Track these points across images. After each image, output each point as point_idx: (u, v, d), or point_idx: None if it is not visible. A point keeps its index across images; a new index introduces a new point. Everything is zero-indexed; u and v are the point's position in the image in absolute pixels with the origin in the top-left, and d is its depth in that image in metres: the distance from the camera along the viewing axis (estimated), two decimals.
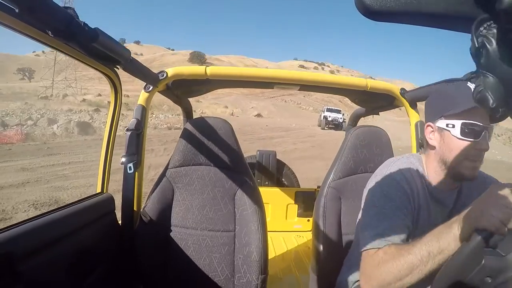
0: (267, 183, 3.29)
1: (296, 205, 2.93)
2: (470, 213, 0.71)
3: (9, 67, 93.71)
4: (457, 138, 0.91)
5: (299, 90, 1.76)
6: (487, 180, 1.09)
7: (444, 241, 0.73)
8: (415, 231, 0.98)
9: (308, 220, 2.95)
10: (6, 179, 6.25)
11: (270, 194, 2.89)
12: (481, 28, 0.31)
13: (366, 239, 0.95)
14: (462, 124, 0.89)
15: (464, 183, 1.04)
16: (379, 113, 2.09)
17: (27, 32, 0.84)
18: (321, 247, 1.38)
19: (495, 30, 0.31)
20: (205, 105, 35.17)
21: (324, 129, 23.87)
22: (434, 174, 1.03)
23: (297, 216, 2.96)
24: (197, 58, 79.76)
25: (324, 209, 1.41)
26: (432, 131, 1.00)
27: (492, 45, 0.31)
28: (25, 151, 9.77)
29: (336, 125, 24.85)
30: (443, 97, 0.99)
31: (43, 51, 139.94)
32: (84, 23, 0.78)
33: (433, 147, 1.00)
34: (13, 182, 6.07)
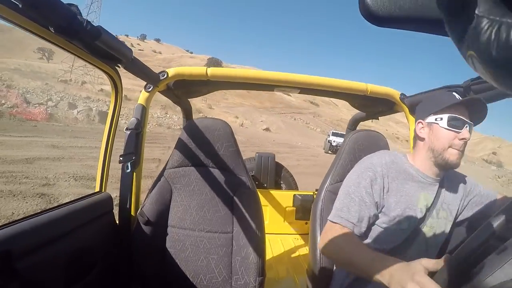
0: (265, 185, 3.31)
1: (294, 208, 2.95)
2: (396, 278, 0.73)
3: (29, 45, 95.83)
4: (444, 128, 1.06)
5: (299, 93, 1.77)
6: (468, 181, 1.25)
7: (376, 274, 0.80)
8: (390, 208, 1.11)
9: (306, 223, 2.95)
10: (40, 152, 7.06)
11: (268, 197, 2.93)
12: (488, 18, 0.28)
13: (333, 210, 1.14)
14: (449, 117, 1.05)
15: (446, 174, 1.18)
16: (379, 118, 2.11)
17: (30, 27, 0.85)
18: (318, 250, 1.37)
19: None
20: (217, 113, 36.11)
21: (327, 153, 22.54)
22: (421, 163, 1.16)
23: (295, 219, 2.97)
24: (214, 64, 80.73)
25: (322, 212, 1.41)
26: (422, 126, 1.14)
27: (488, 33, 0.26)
28: (50, 130, 10.66)
29: None
30: (432, 100, 1.15)
31: None
32: (87, 21, 0.78)
33: (423, 139, 1.14)
34: (47, 156, 6.84)
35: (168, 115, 22.36)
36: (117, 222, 1.43)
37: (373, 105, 1.89)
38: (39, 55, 76.57)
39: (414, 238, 1.11)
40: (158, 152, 9.61)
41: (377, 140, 1.53)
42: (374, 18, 0.33)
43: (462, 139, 1.04)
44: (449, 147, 1.06)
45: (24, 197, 4.44)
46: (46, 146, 7.93)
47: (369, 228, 1.12)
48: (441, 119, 1.07)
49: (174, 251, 1.39)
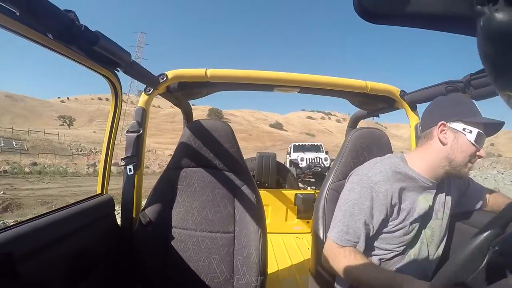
0: (266, 185, 3.49)
1: (296, 207, 3.10)
2: (415, 284, 0.84)
3: (44, 112, 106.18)
4: (471, 143, 1.04)
5: (299, 92, 1.79)
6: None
7: (385, 286, 0.90)
8: (394, 215, 1.13)
9: (308, 222, 3.12)
10: None
11: (270, 196, 3.07)
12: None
13: (333, 229, 1.16)
14: (478, 133, 1.03)
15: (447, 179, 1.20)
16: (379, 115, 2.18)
17: (28, 35, 0.87)
18: (321, 249, 1.34)
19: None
20: None
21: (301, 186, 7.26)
22: (425, 167, 1.13)
23: (297, 218, 3.12)
24: (215, 113, 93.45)
25: (324, 211, 1.41)
26: (444, 130, 1.09)
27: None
28: None
29: (318, 174, 11.75)
30: (461, 104, 1.11)
31: (67, 98, 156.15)
32: (84, 26, 0.82)
33: (444, 144, 1.09)
34: None
35: None
36: (119, 223, 1.48)
37: (373, 103, 1.93)
38: (60, 122, 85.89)
39: (416, 241, 1.14)
40: None
41: (379, 137, 1.52)
42: (368, 15, 0.35)
43: (480, 156, 1.06)
44: (469, 161, 1.07)
45: None
46: None
47: (370, 241, 1.14)
48: (471, 132, 1.04)
49: (176, 251, 1.42)
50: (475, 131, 1.04)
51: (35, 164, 20.44)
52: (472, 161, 1.07)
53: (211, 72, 1.57)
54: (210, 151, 1.52)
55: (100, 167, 1.51)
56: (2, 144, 29.70)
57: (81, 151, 35.09)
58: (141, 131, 1.47)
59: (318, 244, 1.40)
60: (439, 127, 1.10)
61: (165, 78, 1.53)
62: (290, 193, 3.18)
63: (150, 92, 1.53)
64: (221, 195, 1.50)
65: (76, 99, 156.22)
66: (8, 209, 9.43)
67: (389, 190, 1.11)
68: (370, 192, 1.11)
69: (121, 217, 1.45)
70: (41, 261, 0.95)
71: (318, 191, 1.57)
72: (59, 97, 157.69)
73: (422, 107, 1.69)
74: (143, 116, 1.50)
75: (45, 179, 15.90)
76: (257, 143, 71.80)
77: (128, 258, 1.40)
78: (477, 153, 1.06)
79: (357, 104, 2.09)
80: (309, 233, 2.69)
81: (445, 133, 1.09)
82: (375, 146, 1.49)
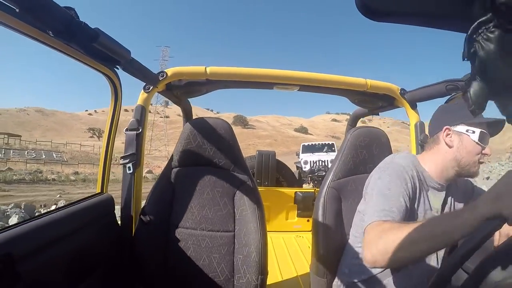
0: (266, 183, 3.58)
1: (296, 206, 3.20)
2: (485, 198, 0.69)
3: (74, 125, 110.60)
4: (475, 142, 1.12)
5: (298, 90, 1.81)
6: (468, 182, 1.36)
7: (449, 225, 0.74)
8: (413, 214, 1.14)
9: (308, 220, 3.21)
10: None
11: (270, 194, 3.14)
12: (478, 33, 0.32)
13: (370, 215, 1.05)
14: (481, 132, 1.11)
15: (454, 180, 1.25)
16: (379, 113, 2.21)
17: (28, 32, 0.89)
18: (321, 247, 1.41)
19: (490, 34, 0.31)
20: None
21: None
22: (436, 168, 1.21)
23: (297, 216, 3.21)
24: (240, 120, 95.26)
25: (324, 209, 1.43)
26: (449, 134, 1.18)
27: (485, 50, 0.32)
28: None
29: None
30: (462, 108, 1.17)
31: (95, 110, 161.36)
32: (84, 23, 0.82)
33: (450, 147, 1.17)
34: None
35: None
36: (119, 222, 1.49)
37: (373, 101, 1.96)
38: (90, 134, 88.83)
39: None
40: None
41: (378, 136, 1.55)
42: (370, 12, 0.35)
43: (486, 154, 1.14)
44: (475, 160, 1.14)
45: None
46: None
47: None
48: (473, 132, 1.12)
49: (176, 250, 1.43)
50: (478, 130, 1.12)
51: (77, 173, 23.26)
52: (480, 160, 1.14)
53: (210, 69, 1.60)
54: (209, 150, 1.54)
55: (100, 166, 1.53)
56: (44, 156, 33.00)
57: (115, 160, 38.18)
58: (140, 129, 1.48)
59: (318, 242, 1.43)
60: (444, 132, 1.19)
61: (164, 76, 1.55)
62: (290, 191, 3.30)
63: (149, 90, 1.54)
64: (221, 194, 1.51)
65: (103, 111, 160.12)
66: None
67: (414, 176, 1.16)
68: (401, 173, 1.14)
69: (121, 216, 1.48)
70: (41, 261, 0.97)
71: (318, 189, 1.59)
72: (86, 110, 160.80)
73: (422, 106, 1.80)
74: (142, 114, 1.51)
75: (90, 185, 18.12)
76: (283, 148, 72.21)
77: (128, 257, 1.42)
78: (483, 152, 1.13)
79: (357, 102, 2.12)
80: (309, 231, 2.67)
81: (451, 137, 1.17)
82: (374, 144, 1.54)
